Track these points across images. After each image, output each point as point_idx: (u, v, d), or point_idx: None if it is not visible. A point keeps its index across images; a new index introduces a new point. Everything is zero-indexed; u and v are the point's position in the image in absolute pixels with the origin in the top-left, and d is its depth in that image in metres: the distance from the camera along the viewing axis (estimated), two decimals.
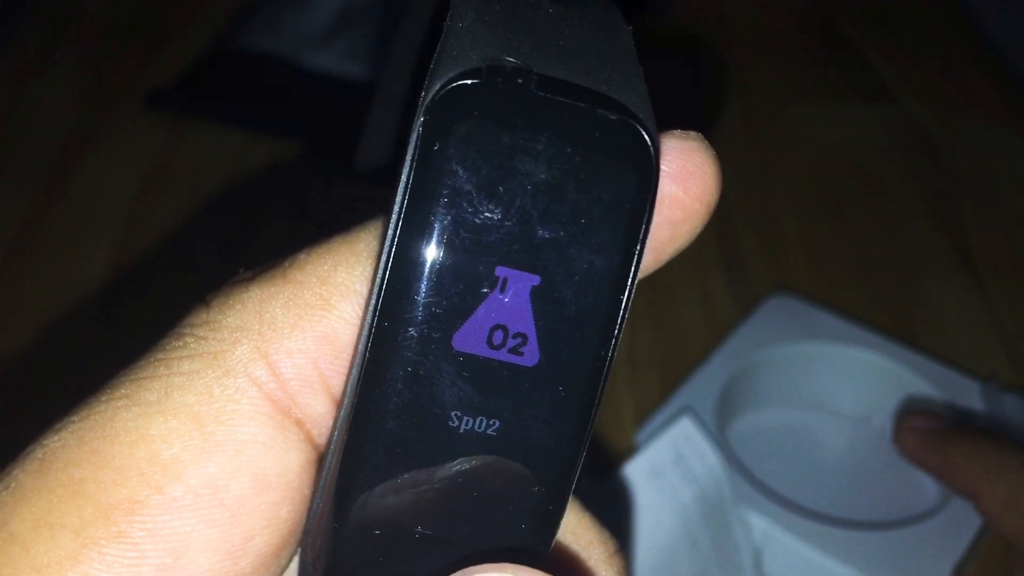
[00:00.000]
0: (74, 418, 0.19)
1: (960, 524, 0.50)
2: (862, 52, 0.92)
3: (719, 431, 0.54)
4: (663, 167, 0.19)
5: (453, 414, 0.18)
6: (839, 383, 0.60)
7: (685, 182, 0.19)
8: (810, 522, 0.50)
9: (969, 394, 0.57)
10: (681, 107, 0.82)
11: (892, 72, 0.90)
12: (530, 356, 0.18)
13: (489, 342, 0.18)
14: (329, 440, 0.20)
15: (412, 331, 0.17)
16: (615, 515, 0.51)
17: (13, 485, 0.19)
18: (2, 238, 0.71)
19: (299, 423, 0.20)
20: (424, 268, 0.17)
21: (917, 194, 0.78)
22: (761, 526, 0.51)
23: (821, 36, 0.95)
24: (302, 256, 0.20)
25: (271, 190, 0.76)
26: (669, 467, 0.52)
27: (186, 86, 0.82)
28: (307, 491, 0.20)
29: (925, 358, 0.59)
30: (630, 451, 0.55)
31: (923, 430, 0.53)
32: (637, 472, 0.52)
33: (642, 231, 0.18)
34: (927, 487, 0.56)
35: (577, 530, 0.22)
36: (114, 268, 0.69)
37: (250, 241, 0.70)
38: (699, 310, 0.68)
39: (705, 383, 0.57)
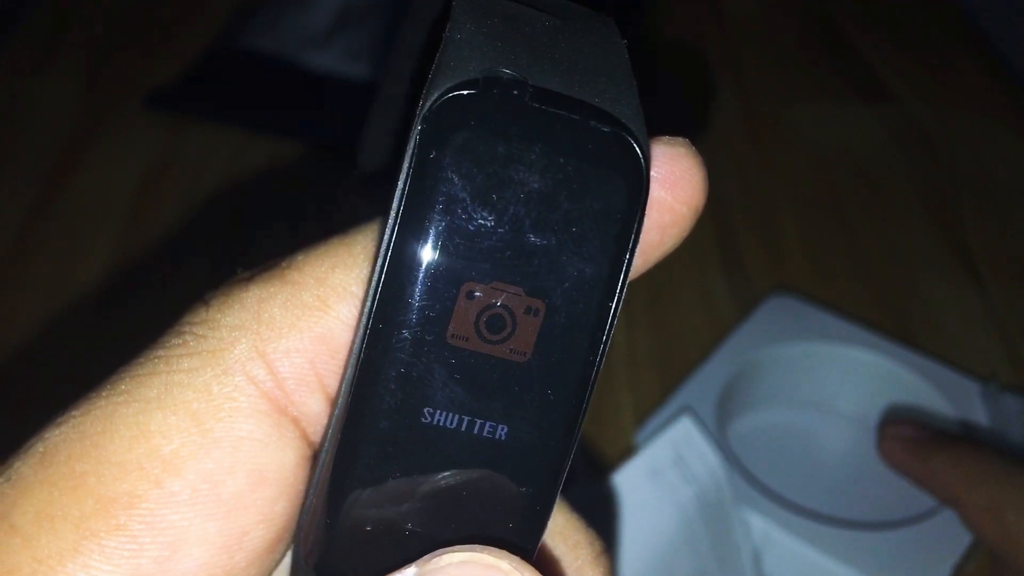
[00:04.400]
0: (75, 412, 0.19)
1: (959, 525, 0.50)
2: (862, 52, 0.92)
3: (719, 431, 0.54)
4: (651, 173, 0.19)
5: (445, 415, 0.18)
6: (838, 383, 0.60)
7: (673, 187, 0.19)
8: (810, 522, 0.50)
9: (969, 394, 0.57)
10: (681, 108, 0.82)
11: (892, 72, 0.90)
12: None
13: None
14: (324, 438, 0.20)
15: (406, 333, 0.18)
16: (614, 515, 0.51)
17: (15, 478, 0.19)
18: (2, 236, 0.72)
19: (295, 421, 0.20)
20: (418, 272, 0.18)
21: (917, 194, 0.78)
22: (761, 526, 0.51)
23: (821, 36, 0.95)
24: (300, 257, 0.20)
25: (271, 190, 0.76)
26: (669, 467, 0.52)
27: (186, 86, 0.82)
28: (302, 487, 0.20)
29: (925, 358, 0.59)
30: (630, 451, 0.55)
31: (905, 438, 0.53)
32: (637, 472, 0.52)
33: (632, 241, 0.18)
34: None
35: (565, 531, 0.22)
36: (114, 267, 0.69)
37: (249, 240, 0.70)
38: (699, 310, 0.68)
39: (705, 383, 0.57)
